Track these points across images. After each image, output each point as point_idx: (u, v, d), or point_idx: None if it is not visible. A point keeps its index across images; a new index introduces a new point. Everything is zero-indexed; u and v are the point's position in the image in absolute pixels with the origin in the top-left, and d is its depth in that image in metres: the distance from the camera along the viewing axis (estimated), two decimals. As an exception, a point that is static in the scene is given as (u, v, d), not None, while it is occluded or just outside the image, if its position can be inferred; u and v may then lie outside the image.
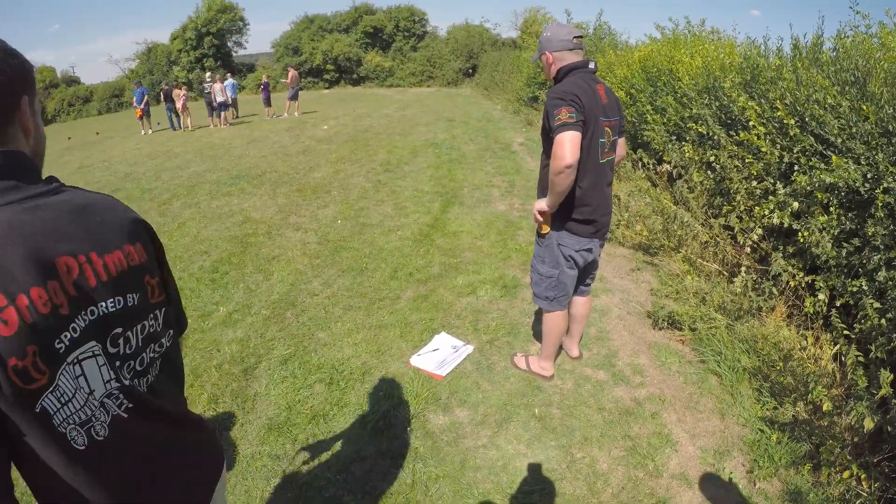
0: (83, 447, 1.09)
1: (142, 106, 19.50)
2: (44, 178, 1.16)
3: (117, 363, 1.17)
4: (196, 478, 1.42)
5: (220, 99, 18.88)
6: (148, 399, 1.25)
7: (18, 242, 1.00)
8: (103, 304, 1.12)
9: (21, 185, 1.08)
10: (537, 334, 4.30)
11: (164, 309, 1.31)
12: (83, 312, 1.08)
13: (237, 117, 21.40)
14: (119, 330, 1.17)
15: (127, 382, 1.19)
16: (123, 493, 1.19)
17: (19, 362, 0.96)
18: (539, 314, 4.40)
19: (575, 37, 3.03)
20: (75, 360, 1.07)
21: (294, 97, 20.61)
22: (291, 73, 20.69)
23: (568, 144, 2.69)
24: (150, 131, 19.43)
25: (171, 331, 1.37)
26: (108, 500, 1.16)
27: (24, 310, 0.96)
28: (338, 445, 3.25)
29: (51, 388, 1.03)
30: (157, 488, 1.27)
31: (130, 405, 1.19)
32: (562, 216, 3.13)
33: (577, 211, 3.09)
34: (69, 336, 1.05)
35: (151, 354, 1.27)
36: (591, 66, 3.04)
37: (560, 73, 3.04)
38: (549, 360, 3.76)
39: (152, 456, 1.27)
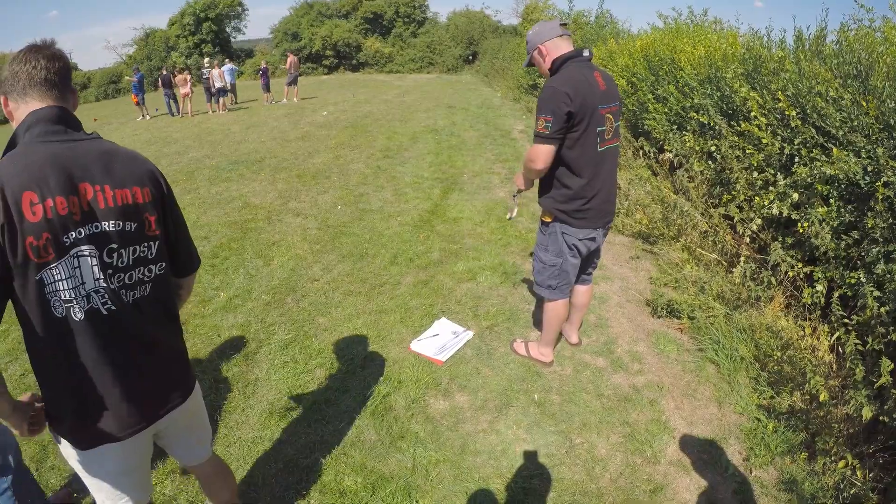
0: (61, 316, 1.52)
1: (138, 92, 19.36)
2: (89, 133, 1.66)
3: (109, 271, 1.59)
4: (158, 388, 1.81)
5: (218, 84, 18.80)
6: (130, 308, 1.65)
7: (57, 165, 1.48)
8: (106, 223, 1.56)
9: (68, 131, 1.59)
10: (537, 321, 4.33)
11: (157, 242, 1.71)
12: (89, 224, 1.53)
13: (235, 103, 21.31)
14: (115, 245, 1.59)
15: (114, 287, 1.60)
16: (86, 368, 1.58)
17: (35, 242, 1.42)
18: (539, 301, 4.43)
19: (561, 24, 3.06)
20: (76, 255, 1.51)
21: (293, 83, 20.52)
22: (290, 58, 20.59)
23: (541, 156, 2.97)
24: (147, 116, 19.31)
25: (164, 263, 1.76)
26: (71, 370, 1.58)
27: (48, 209, 1.43)
28: (338, 429, 3.28)
29: (53, 265, 1.47)
30: (116, 379, 1.64)
31: (113, 308, 1.60)
32: (564, 207, 3.15)
33: (579, 202, 3.11)
34: (74, 236, 1.50)
35: (139, 275, 1.67)
36: (586, 53, 3.03)
37: (555, 65, 3.03)
38: (548, 347, 3.79)
39: (123, 352, 1.65)
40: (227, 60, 22.03)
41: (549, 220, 3.27)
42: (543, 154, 2.94)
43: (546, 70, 3.11)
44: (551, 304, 3.54)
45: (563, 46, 3.04)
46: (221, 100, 19.15)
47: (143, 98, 19.50)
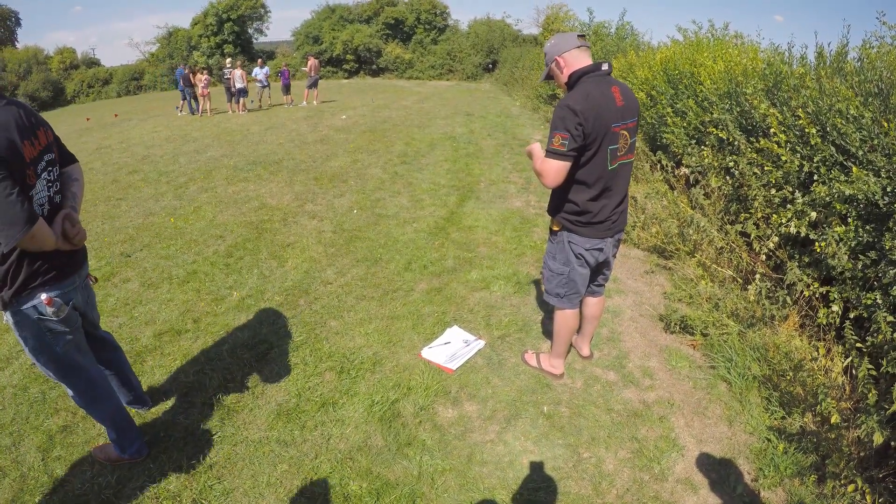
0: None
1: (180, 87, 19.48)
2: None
3: None
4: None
5: (238, 85, 18.96)
6: None
7: None
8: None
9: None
10: (548, 333, 4.32)
11: None
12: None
13: (256, 105, 21.41)
14: None
15: None
16: None
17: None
18: (551, 312, 4.43)
19: (578, 36, 3.02)
20: None
21: (313, 86, 20.66)
22: (311, 61, 20.73)
23: (552, 173, 2.91)
24: (180, 112, 19.37)
25: None
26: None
27: None
28: (345, 434, 3.28)
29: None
30: None
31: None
32: (570, 219, 3.16)
33: (585, 216, 3.11)
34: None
35: None
36: (605, 67, 2.97)
37: (572, 78, 2.98)
38: (559, 359, 3.77)
39: None
40: (260, 62, 22.08)
41: (557, 228, 3.28)
42: (555, 170, 2.89)
43: (563, 82, 3.06)
44: (560, 313, 3.54)
45: (581, 59, 2.99)
46: (241, 100, 19.31)
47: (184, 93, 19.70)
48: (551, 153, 2.86)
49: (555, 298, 3.49)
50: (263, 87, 20.82)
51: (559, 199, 3.17)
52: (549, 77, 3.20)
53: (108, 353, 3.13)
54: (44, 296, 2.39)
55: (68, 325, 2.56)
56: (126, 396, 3.32)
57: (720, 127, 5.50)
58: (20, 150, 2.13)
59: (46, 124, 2.45)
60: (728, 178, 5.37)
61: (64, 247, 2.42)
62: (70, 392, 2.79)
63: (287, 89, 21.21)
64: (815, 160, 4.11)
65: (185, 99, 19.62)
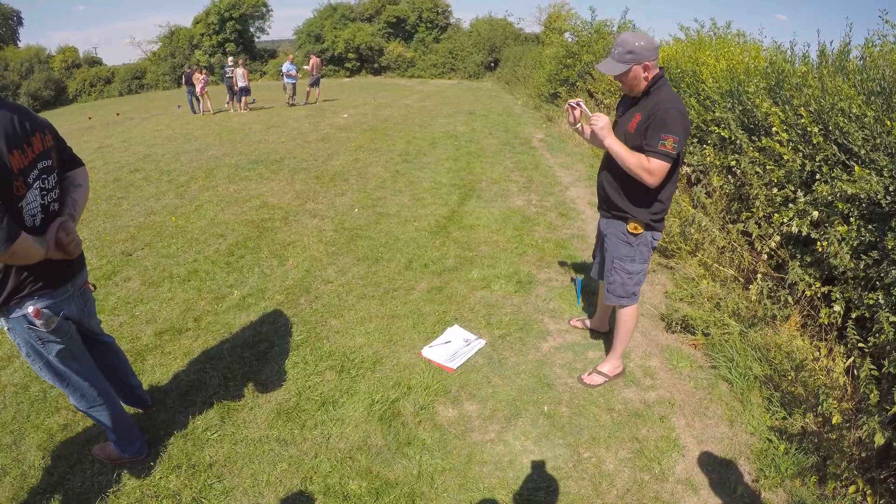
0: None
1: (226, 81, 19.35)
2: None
3: None
4: None
5: (241, 84, 18.93)
6: None
7: None
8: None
9: None
10: (549, 332, 4.32)
11: None
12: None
13: (287, 102, 21.32)
14: None
15: None
16: None
17: None
18: (554, 311, 4.43)
19: None
20: None
21: (315, 84, 20.64)
22: (313, 60, 20.71)
23: (660, 173, 2.96)
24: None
25: None
26: None
27: None
28: (345, 433, 3.28)
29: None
30: None
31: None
32: (657, 217, 3.27)
33: (661, 213, 3.26)
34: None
35: None
36: None
37: (652, 82, 3.07)
38: (619, 359, 3.81)
39: None
40: (291, 57, 21.90)
41: (640, 230, 3.33)
42: (664, 171, 2.96)
43: (643, 85, 3.09)
44: (630, 310, 3.61)
45: (657, 66, 3.11)
46: (244, 99, 19.28)
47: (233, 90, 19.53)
48: (664, 155, 2.91)
49: (630, 299, 3.55)
50: (292, 83, 20.44)
51: (646, 200, 3.23)
52: (624, 73, 3.10)
53: (108, 358, 3.12)
54: (30, 308, 2.34)
55: (59, 336, 2.51)
56: (126, 398, 3.32)
57: (722, 126, 5.49)
58: (5, 162, 2.03)
59: (46, 128, 2.35)
60: (730, 176, 5.36)
61: (56, 256, 2.35)
62: (68, 395, 2.78)
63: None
64: (817, 159, 4.10)
65: (232, 94, 19.54)
